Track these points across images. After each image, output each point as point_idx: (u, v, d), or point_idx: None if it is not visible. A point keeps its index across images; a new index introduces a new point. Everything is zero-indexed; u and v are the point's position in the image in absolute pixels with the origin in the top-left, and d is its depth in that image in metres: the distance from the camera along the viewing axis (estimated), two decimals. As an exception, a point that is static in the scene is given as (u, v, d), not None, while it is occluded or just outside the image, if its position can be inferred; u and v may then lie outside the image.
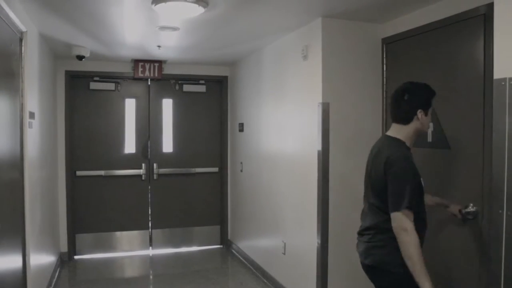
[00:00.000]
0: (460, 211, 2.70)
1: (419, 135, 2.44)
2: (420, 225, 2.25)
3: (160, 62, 5.59)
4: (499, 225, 1.96)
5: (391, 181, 2.21)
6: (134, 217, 5.81)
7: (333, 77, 3.47)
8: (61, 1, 3.05)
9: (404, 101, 2.33)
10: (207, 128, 6.07)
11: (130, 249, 5.82)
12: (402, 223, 2.15)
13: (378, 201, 2.32)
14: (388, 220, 2.22)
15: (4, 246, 2.73)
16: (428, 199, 2.55)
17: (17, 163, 3.13)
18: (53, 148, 5.04)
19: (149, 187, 5.86)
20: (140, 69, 5.54)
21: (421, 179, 2.32)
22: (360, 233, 2.49)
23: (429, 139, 3.05)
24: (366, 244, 2.40)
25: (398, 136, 2.35)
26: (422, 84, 2.39)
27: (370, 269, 2.39)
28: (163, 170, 5.88)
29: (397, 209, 2.17)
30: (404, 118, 2.34)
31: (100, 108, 5.65)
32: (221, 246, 6.15)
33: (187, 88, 5.95)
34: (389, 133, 2.42)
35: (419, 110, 2.30)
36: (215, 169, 6.12)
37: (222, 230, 6.16)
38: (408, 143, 2.34)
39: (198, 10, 3.11)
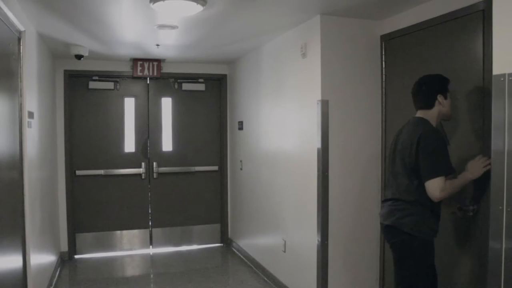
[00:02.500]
0: (459, 208, 2.70)
1: (445, 119, 2.69)
2: (434, 218, 2.55)
3: (159, 61, 5.58)
4: (499, 221, 1.96)
5: (427, 153, 2.44)
6: (134, 216, 5.81)
7: (332, 75, 3.47)
8: (59, 0, 3.05)
9: (423, 90, 2.63)
10: (207, 127, 6.07)
11: (131, 248, 5.83)
12: (439, 186, 2.39)
13: (406, 175, 2.55)
14: (411, 191, 2.52)
15: (4, 246, 2.73)
16: None
17: (16, 163, 3.12)
18: (53, 148, 5.03)
19: (149, 186, 5.86)
20: (139, 68, 5.53)
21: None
22: (385, 200, 2.74)
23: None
24: (389, 207, 2.65)
25: (424, 117, 2.61)
26: (436, 74, 2.68)
27: (387, 229, 2.66)
28: (162, 169, 5.88)
29: (433, 176, 2.41)
30: (427, 103, 2.61)
31: (99, 107, 5.64)
32: (222, 244, 6.15)
33: (186, 86, 5.95)
34: (416, 116, 2.66)
35: (438, 95, 2.58)
36: (215, 168, 6.12)
37: (222, 229, 6.16)
38: (433, 124, 2.59)
39: (196, 8, 3.11)
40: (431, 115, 2.60)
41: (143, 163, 5.82)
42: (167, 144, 5.94)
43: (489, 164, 2.16)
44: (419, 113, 2.64)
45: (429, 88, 2.61)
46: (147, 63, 5.54)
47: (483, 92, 2.61)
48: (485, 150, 2.56)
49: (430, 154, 2.44)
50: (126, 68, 5.60)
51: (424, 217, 2.51)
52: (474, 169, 2.50)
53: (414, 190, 2.51)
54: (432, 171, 2.42)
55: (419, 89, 2.65)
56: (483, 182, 2.51)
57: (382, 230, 2.77)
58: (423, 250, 2.52)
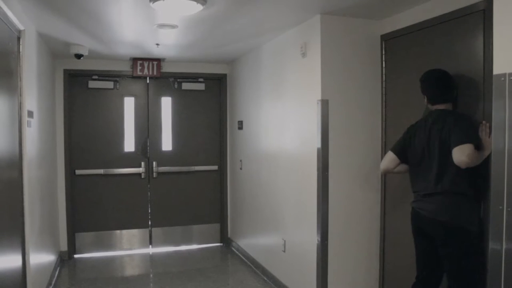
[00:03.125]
0: None
1: None
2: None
3: (159, 60, 5.58)
4: (499, 221, 1.96)
5: (460, 126, 2.51)
6: (134, 215, 5.81)
7: (332, 74, 3.47)
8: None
9: (447, 83, 2.72)
10: (206, 126, 6.07)
11: (130, 248, 5.82)
12: (467, 150, 2.41)
13: (448, 165, 2.55)
14: (460, 183, 2.55)
15: (4, 245, 2.72)
16: None
17: (16, 162, 3.12)
18: (52, 147, 5.03)
19: (149, 185, 5.86)
20: (139, 67, 5.53)
21: None
22: (429, 194, 2.68)
23: (429, 135, 3.04)
24: (442, 202, 2.61)
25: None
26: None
27: (438, 225, 2.62)
28: (162, 169, 5.88)
29: (463, 142, 2.44)
30: (450, 98, 2.73)
31: (99, 106, 5.64)
32: (221, 244, 6.15)
33: (186, 86, 5.95)
34: (446, 111, 2.71)
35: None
36: (215, 167, 6.12)
37: (222, 228, 6.16)
38: None
39: (196, 7, 3.11)
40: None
41: (142, 163, 5.81)
42: (166, 143, 5.93)
43: (489, 128, 2.32)
44: (439, 107, 2.73)
45: (453, 82, 2.75)
46: (147, 62, 5.53)
47: (483, 92, 2.60)
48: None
49: (463, 126, 2.51)
50: (126, 68, 5.59)
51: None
52: (486, 142, 2.48)
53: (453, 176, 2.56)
54: (462, 138, 2.45)
55: (447, 81, 2.72)
56: (483, 181, 2.51)
57: (425, 223, 2.72)
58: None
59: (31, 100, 3.56)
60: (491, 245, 2.02)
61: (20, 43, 3.25)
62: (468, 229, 2.52)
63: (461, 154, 2.41)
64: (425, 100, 2.82)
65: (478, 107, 2.65)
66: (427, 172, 2.69)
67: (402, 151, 2.91)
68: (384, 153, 3.56)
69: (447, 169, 2.57)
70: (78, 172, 5.54)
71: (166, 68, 5.71)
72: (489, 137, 2.43)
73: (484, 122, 2.53)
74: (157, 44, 4.59)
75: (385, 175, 3.54)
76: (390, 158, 2.96)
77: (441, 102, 2.72)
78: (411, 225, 2.89)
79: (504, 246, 1.94)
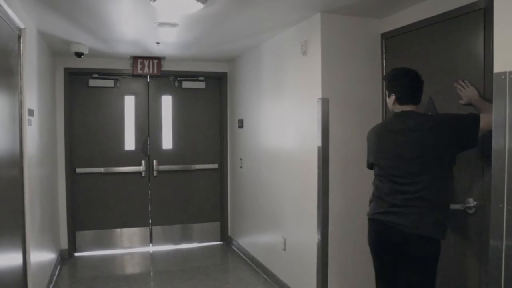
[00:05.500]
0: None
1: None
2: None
3: (159, 59, 5.58)
4: (499, 219, 1.96)
5: (456, 118, 2.44)
6: (134, 214, 5.82)
7: (333, 73, 3.47)
8: (59, -3, 3.05)
9: (421, 85, 2.58)
10: (207, 125, 6.07)
11: (130, 246, 5.83)
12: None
13: (441, 168, 2.41)
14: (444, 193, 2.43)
15: (5, 243, 2.73)
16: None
17: (16, 161, 3.12)
18: (53, 146, 5.03)
19: (149, 184, 5.86)
20: (139, 65, 5.53)
21: None
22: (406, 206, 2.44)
23: (429, 134, 3.04)
24: (426, 207, 2.40)
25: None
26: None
27: (416, 240, 2.40)
28: (162, 167, 5.88)
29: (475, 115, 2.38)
30: (420, 100, 2.59)
31: (99, 105, 5.64)
32: (221, 242, 6.16)
33: (186, 84, 5.95)
34: (416, 112, 2.55)
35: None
36: (215, 166, 6.12)
37: (222, 227, 6.16)
38: None
39: (197, 6, 3.10)
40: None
41: (143, 161, 5.82)
42: (167, 142, 5.94)
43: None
44: (409, 108, 2.55)
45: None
46: (147, 61, 5.53)
47: (484, 90, 2.60)
48: (485, 148, 2.56)
49: (451, 115, 2.52)
50: (126, 66, 5.59)
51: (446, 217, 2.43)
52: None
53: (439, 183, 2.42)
54: (469, 115, 2.41)
55: (420, 82, 2.59)
56: (484, 180, 2.51)
57: (395, 239, 2.47)
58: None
59: (31, 98, 3.56)
60: (492, 243, 2.02)
61: (21, 41, 3.25)
62: (440, 239, 2.42)
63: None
64: (392, 99, 2.59)
65: (479, 105, 2.65)
66: (401, 180, 2.45)
67: (369, 160, 2.72)
68: (384, 151, 3.55)
69: (433, 178, 2.40)
70: (78, 170, 5.55)
71: (167, 67, 5.71)
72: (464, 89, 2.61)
73: (459, 81, 2.66)
74: (158, 43, 4.59)
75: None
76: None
77: (411, 102, 2.55)
78: (370, 238, 2.64)
79: (504, 244, 1.94)
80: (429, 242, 2.39)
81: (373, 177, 2.74)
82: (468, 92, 2.65)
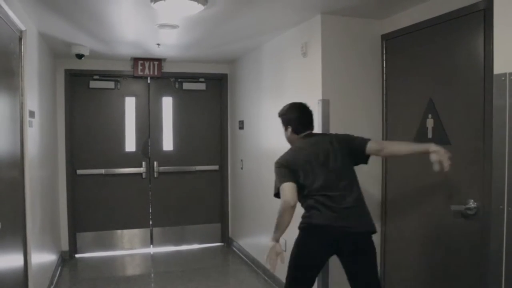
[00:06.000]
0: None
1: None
2: None
3: (160, 60, 5.58)
4: (500, 221, 1.96)
5: (349, 136, 2.86)
6: (135, 215, 5.82)
7: (333, 74, 3.47)
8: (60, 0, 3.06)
9: (311, 113, 2.96)
10: (207, 126, 6.07)
11: (131, 247, 5.83)
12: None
13: (354, 175, 2.73)
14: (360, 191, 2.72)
15: (5, 245, 2.73)
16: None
17: (17, 162, 3.13)
18: (54, 147, 5.04)
19: (150, 185, 5.86)
20: (140, 67, 5.53)
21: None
22: (349, 207, 2.61)
23: (430, 135, 3.05)
24: (367, 214, 2.69)
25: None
26: None
27: (368, 235, 2.68)
28: (163, 168, 5.88)
29: (367, 140, 2.76)
30: (313, 126, 2.95)
31: (100, 106, 5.65)
32: (222, 244, 6.16)
33: (187, 86, 5.95)
34: (314, 132, 2.94)
35: None
36: (216, 167, 6.12)
37: (222, 228, 6.16)
38: None
39: (197, 7, 3.11)
40: None
41: (143, 163, 5.82)
42: (167, 143, 5.94)
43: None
44: (310, 131, 2.90)
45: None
46: (148, 62, 5.53)
47: (484, 91, 2.60)
48: (486, 150, 2.56)
49: (350, 135, 2.87)
50: (126, 68, 5.60)
51: None
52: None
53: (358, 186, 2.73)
54: (365, 140, 2.76)
55: (311, 112, 2.95)
56: (484, 181, 2.51)
57: (362, 237, 2.66)
58: None
59: (32, 100, 3.56)
60: (492, 245, 2.02)
61: (22, 43, 3.26)
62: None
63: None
64: (289, 131, 2.92)
65: (479, 106, 2.65)
66: (337, 189, 2.63)
67: (296, 177, 2.70)
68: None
69: (353, 181, 2.71)
70: (79, 172, 5.55)
71: (167, 68, 5.71)
72: None
73: None
74: (158, 44, 4.59)
75: (386, 179, 3.55)
76: (293, 189, 2.67)
77: (309, 127, 2.90)
78: (309, 246, 2.69)
79: (504, 246, 1.94)
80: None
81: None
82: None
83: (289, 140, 2.96)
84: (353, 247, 2.62)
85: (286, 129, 2.96)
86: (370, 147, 2.72)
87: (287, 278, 2.73)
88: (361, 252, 2.65)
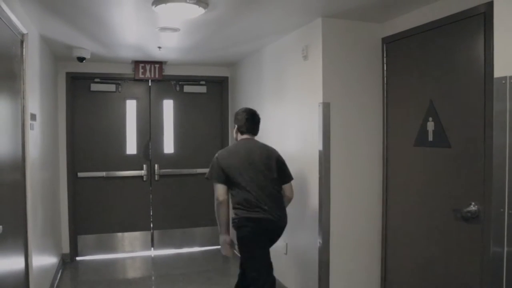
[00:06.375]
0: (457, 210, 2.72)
1: None
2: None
3: (161, 63, 5.59)
4: (501, 223, 1.96)
5: (285, 165, 3.37)
6: (136, 218, 5.82)
7: (334, 77, 3.48)
8: (62, 3, 3.06)
9: (257, 120, 3.48)
10: (208, 129, 6.08)
11: (132, 250, 5.83)
12: (292, 187, 3.40)
13: (276, 178, 3.27)
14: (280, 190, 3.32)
15: (7, 247, 2.73)
16: None
17: (18, 165, 3.13)
18: (55, 150, 5.05)
19: (151, 188, 5.86)
20: (141, 70, 5.55)
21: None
22: (266, 204, 3.18)
23: (430, 138, 3.05)
24: (282, 210, 3.29)
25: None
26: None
27: (282, 228, 3.31)
28: (164, 171, 5.88)
29: (291, 180, 3.38)
30: (257, 132, 3.48)
31: (101, 109, 5.66)
32: (223, 246, 6.15)
33: (187, 89, 5.96)
34: (255, 139, 3.46)
35: None
36: (216, 170, 6.11)
37: (223, 231, 6.15)
38: None
39: (198, 11, 3.12)
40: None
41: (144, 165, 5.83)
42: (168, 146, 5.94)
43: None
44: (252, 137, 3.42)
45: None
46: (149, 65, 5.55)
47: (484, 94, 2.61)
48: (486, 152, 2.56)
49: (286, 166, 3.36)
50: (128, 71, 5.61)
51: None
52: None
53: (279, 192, 3.30)
54: (289, 176, 3.37)
55: (259, 119, 3.46)
56: (485, 184, 2.51)
57: (277, 228, 3.28)
58: None
59: (34, 103, 3.57)
60: (493, 248, 2.03)
61: (23, 46, 3.27)
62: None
63: (292, 189, 3.39)
64: (235, 130, 3.48)
65: (479, 110, 2.65)
66: (263, 189, 3.19)
67: (227, 180, 3.24)
68: (385, 156, 3.56)
69: (275, 186, 3.28)
70: (80, 174, 5.56)
71: (168, 71, 5.73)
72: None
73: None
74: (159, 47, 4.61)
75: (387, 182, 3.55)
76: (223, 189, 3.26)
77: (252, 133, 3.42)
78: (256, 235, 3.21)
79: (505, 249, 1.94)
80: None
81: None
82: None
83: (234, 136, 3.55)
84: (272, 234, 3.30)
85: (234, 127, 3.50)
86: (284, 186, 3.35)
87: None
88: (276, 237, 3.34)
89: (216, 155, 3.37)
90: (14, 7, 2.83)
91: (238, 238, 3.31)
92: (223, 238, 3.37)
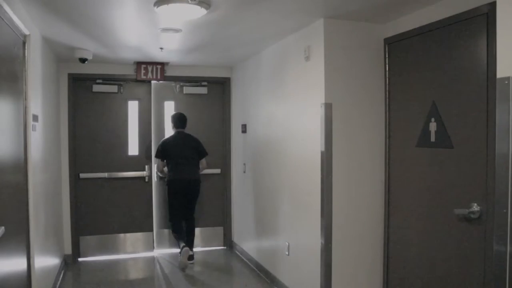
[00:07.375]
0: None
1: None
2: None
3: (162, 64, 5.60)
4: (503, 224, 1.95)
5: (202, 146, 5.45)
6: (138, 218, 5.83)
7: (336, 78, 3.48)
8: (64, 4, 3.07)
9: (184, 119, 5.47)
10: (210, 130, 6.09)
11: (134, 251, 5.84)
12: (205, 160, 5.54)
13: (196, 158, 5.39)
14: (198, 164, 5.44)
15: (9, 248, 2.74)
16: None
17: (21, 166, 3.14)
18: (57, 151, 5.05)
19: (152, 188, 5.87)
20: (143, 71, 5.56)
21: None
22: (185, 168, 5.31)
23: (432, 138, 3.05)
24: (195, 170, 5.37)
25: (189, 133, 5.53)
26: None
27: (196, 182, 5.37)
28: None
29: (205, 155, 5.48)
30: (185, 127, 5.46)
31: (103, 110, 5.67)
32: (225, 247, 6.15)
33: (189, 90, 5.97)
34: (184, 132, 5.47)
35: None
36: (218, 171, 6.13)
37: (225, 231, 6.17)
38: None
39: (200, 12, 3.12)
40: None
41: (146, 166, 5.83)
42: (170, 147, 5.94)
43: None
44: (181, 130, 5.41)
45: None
46: (151, 66, 5.56)
47: (487, 95, 2.60)
48: (489, 153, 2.56)
49: (203, 147, 5.47)
50: (129, 72, 5.62)
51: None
52: None
53: (198, 163, 5.40)
54: (205, 153, 5.47)
55: (185, 118, 5.44)
56: (487, 185, 2.51)
57: (191, 182, 5.33)
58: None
59: (36, 104, 3.58)
60: (495, 248, 2.02)
61: (25, 47, 3.27)
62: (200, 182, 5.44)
63: (206, 163, 5.52)
64: (172, 126, 5.44)
65: (482, 110, 2.65)
66: (185, 162, 5.29)
67: (164, 156, 5.36)
68: (387, 155, 3.56)
69: (194, 160, 5.39)
70: (82, 175, 5.57)
71: (170, 72, 5.73)
72: None
73: None
74: (161, 48, 4.61)
75: (389, 183, 3.55)
76: (161, 163, 5.45)
77: (181, 127, 5.39)
78: (173, 189, 5.34)
79: (508, 250, 1.94)
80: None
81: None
82: None
83: (172, 130, 5.47)
84: (189, 189, 5.33)
85: (171, 125, 5.47)
86: (201, 161, 5.47)
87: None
88: (192, 192, 5.37)
89: (160, 142, 5.41)
90: (16, 8, 2.84)
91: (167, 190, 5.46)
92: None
